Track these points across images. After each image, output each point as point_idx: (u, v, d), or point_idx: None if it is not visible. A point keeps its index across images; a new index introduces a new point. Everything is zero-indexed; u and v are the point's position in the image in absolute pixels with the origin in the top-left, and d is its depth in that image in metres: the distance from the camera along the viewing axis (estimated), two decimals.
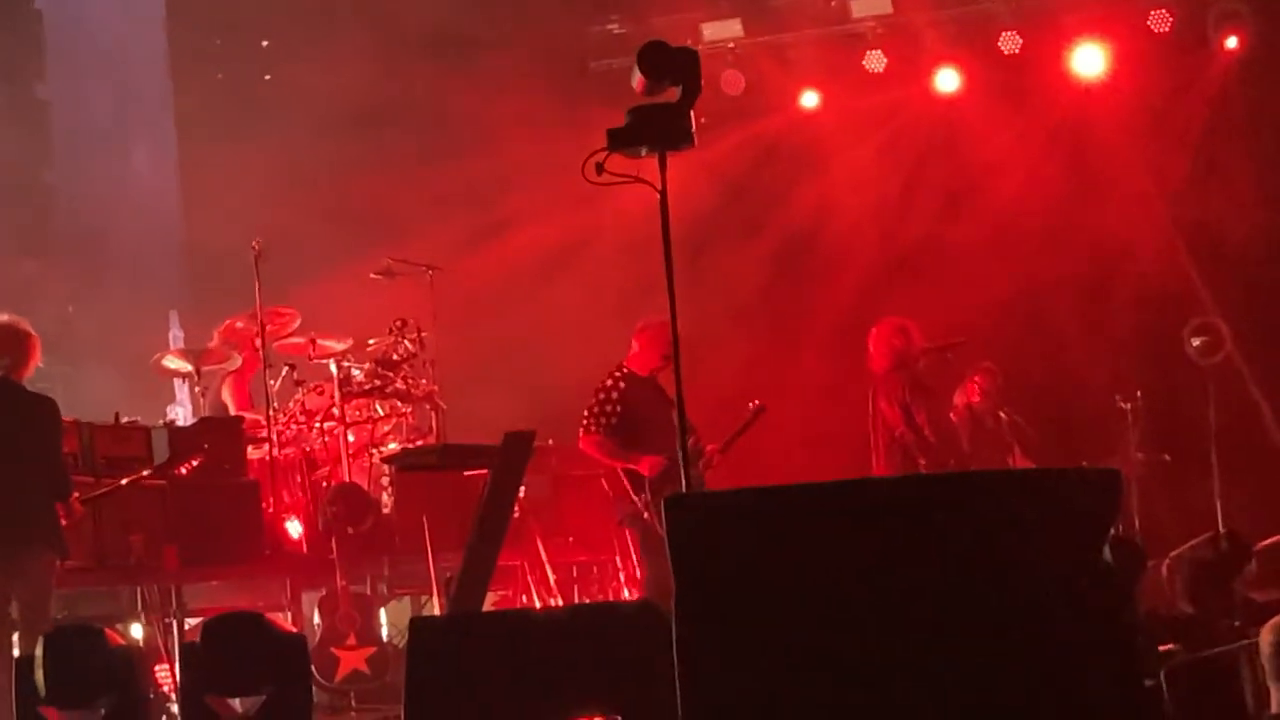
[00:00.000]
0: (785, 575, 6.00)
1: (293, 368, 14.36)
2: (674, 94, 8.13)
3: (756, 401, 12.68)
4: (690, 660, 6.01)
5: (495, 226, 16.10)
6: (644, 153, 8.05)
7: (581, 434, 12.65)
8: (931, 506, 6.13)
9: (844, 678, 6.01)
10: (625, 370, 12.70)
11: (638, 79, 8.12)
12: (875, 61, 16.81)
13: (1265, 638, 7.98)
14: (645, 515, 12.31)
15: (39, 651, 8.18)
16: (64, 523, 11.03)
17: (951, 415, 14.01)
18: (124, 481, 12.00)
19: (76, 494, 11.20)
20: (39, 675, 8.13)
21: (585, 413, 12.60)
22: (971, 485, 6.71)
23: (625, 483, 12.47)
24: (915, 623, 5.99)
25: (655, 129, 8.00)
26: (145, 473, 12.22)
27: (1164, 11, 16.41)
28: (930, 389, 13.46)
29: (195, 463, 12.44)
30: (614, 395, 12.56)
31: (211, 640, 8.15)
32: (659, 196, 8.01)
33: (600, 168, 7.96)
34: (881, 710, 5.98)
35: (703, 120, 8.23)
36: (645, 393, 12.64)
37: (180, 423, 14.40)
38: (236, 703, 8.06)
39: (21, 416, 11.02)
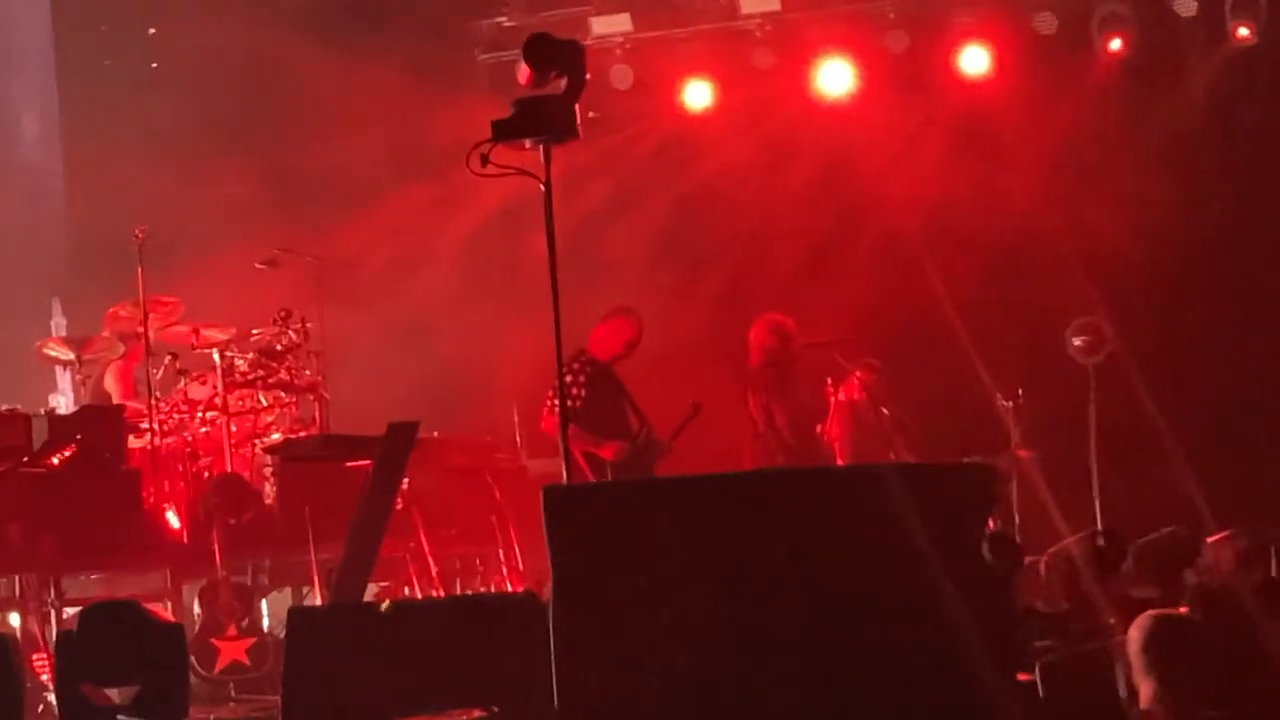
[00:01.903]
0: (659, 566, 6.04)
1: (175, 357, 14.26)
2: (560, 86, 8.16)
3: (694, 402, 12.84)
4: (566, 649, 6.04)
5: (382, 216, 16.04)
6: (529, 144, 8.08)
7: (545, 414, 12.77)
8: (807, 498, 6.18)
9: (715, 668, 6.05)
10: (587, 355, 12.86)
11: (523, 71, 8.15)
12: (763, 58, 16.87)
13: (1133, 634, 8.07)
14: None
15: None
16: None
17: (831, 412, 14.09)
18: None
19: None
20: None
21: (550, 393, 12.63)
22: (845, 478, 6.78)
23: (584, 467, 12.47)
24: (789, 615, 6.03)
25: (540, 121, 8.03)
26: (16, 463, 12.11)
27: (1049, 14, 16.57)
28: (795, 390, 13.57)
29: (68, 452, 12.31)
30: (580, 379, 12.68)
31: (88, 629, 8.09)
32: (543, 188, 8.03)
33: (485, 159, 7.98)
34: (754, 700, 6.02)
35: (591, 114, 8.26)
36: (604, 380, 12.83)
37: (62, 411, 14.26)
38: (113, 692, 8.00)
39: None
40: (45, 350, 14.76)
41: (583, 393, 12.78)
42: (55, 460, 12.35)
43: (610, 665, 6.02)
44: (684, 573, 6.03)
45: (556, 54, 8.08)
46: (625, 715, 5.94)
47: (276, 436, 14.25)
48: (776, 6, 16.87)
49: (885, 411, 14.27)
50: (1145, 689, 8.02)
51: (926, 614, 6.30)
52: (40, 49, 18.23)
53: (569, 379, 12.59)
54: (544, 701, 6.38)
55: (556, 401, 12.44)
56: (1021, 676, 7.75)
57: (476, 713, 6.81)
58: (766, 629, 6.03)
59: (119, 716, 7.80)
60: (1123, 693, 8.56)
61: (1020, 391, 14.59)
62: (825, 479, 7.01)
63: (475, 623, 7.53)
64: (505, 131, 8.01)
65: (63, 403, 15.10)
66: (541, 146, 8.04)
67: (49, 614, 12.57)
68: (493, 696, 6.99)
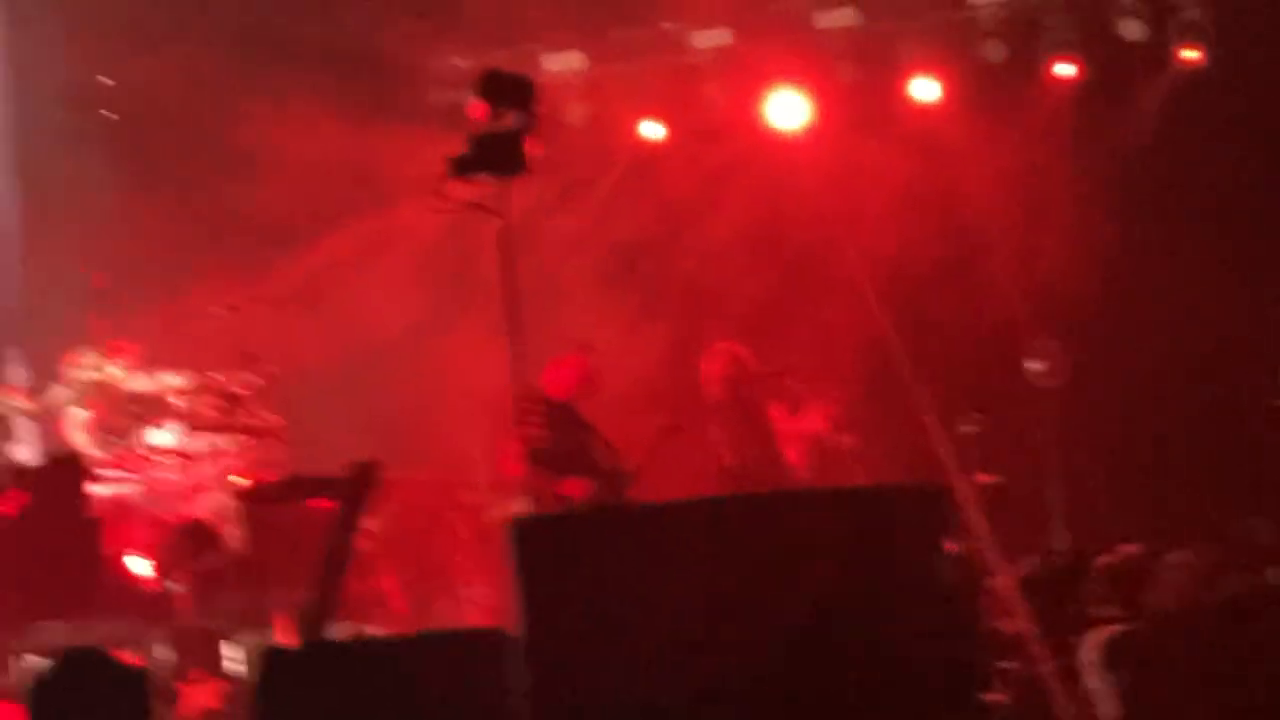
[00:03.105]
0: (630, 594, 6.07)
1: (136, 402, 14.24)
2: (514, 122, 8.23)
3: (669, 422, 12.83)
4: (536, 680, 6.07)
5: (338, 256, 16.07)
6: (483, 179, 8.14)
7: (507, 458, 12.80)
8: (771, 522, 6.22)
9: (690, 694, 6.08)
10: (542, 396, 12.91)
11: (476, 106, 8.20)
12: (716, 91, 16.96)
13: (1089, 651, 8.16)
14: None
15: None
16: None
17: (791, 441, 14.12)
18: None
19: None
20: None
21: (511, 437, 12.71)
22: (807, 501, 6.81)
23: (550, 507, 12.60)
24: (756, 640, 6.07)
25: (494, 156, 8.09)
26: None
27: (998, 41, 16.69)
28: (757, 420, 13.60)
29: (8, 494, 12.22)
30: (536, 420, 12.68)
31: (58, 675, 8.06)
32: (500, 223, 8.09)
33: (441, 195, 8.05)
34: None
35: (546, 150, 8.31)
36: (563, 418, 12.83)
37: (22, 460, 14.25)
38: None
39: None
40: (6, 402, 14.76)
41: (543, 434, 12.78)
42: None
43: (581, 695, 6.05)
44: (651, 600, 6.07)
45: (509, 89, 8.16)
46: None
47: (239, 480, 14.22)
48: (728, 40, 16.98)
49: (844, 439, 14.32)
50: (1105, 705, 8.10)
51: (891, 636, 6.35)
52: None
53: (528, 421, 12.68)
54: None
55: (519, 445, 12.62)
56: (987, 697, 7.80)
57: None
58: (734, 655, 6.07)
59: None
60: (1085, 709, 8.64)
61: (979, 416, 14.67)
62: (788, 503, 7.04)
63: (446, 658, 7.52)
64: (460, 167, 8.07)
65: (21, 453, 15.08)
66: (497, 181, 8.09)
67: (11, 665, 12.52)
68: None
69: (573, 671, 6.13)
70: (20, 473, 13.18)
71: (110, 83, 18.05)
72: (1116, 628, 8.63)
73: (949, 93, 16.75)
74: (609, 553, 6.14)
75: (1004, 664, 9.56)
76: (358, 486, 10.82)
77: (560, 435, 12.91)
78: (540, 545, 6.17)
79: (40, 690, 8.17)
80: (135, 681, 8.10)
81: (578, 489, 12.60)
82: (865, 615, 6.35)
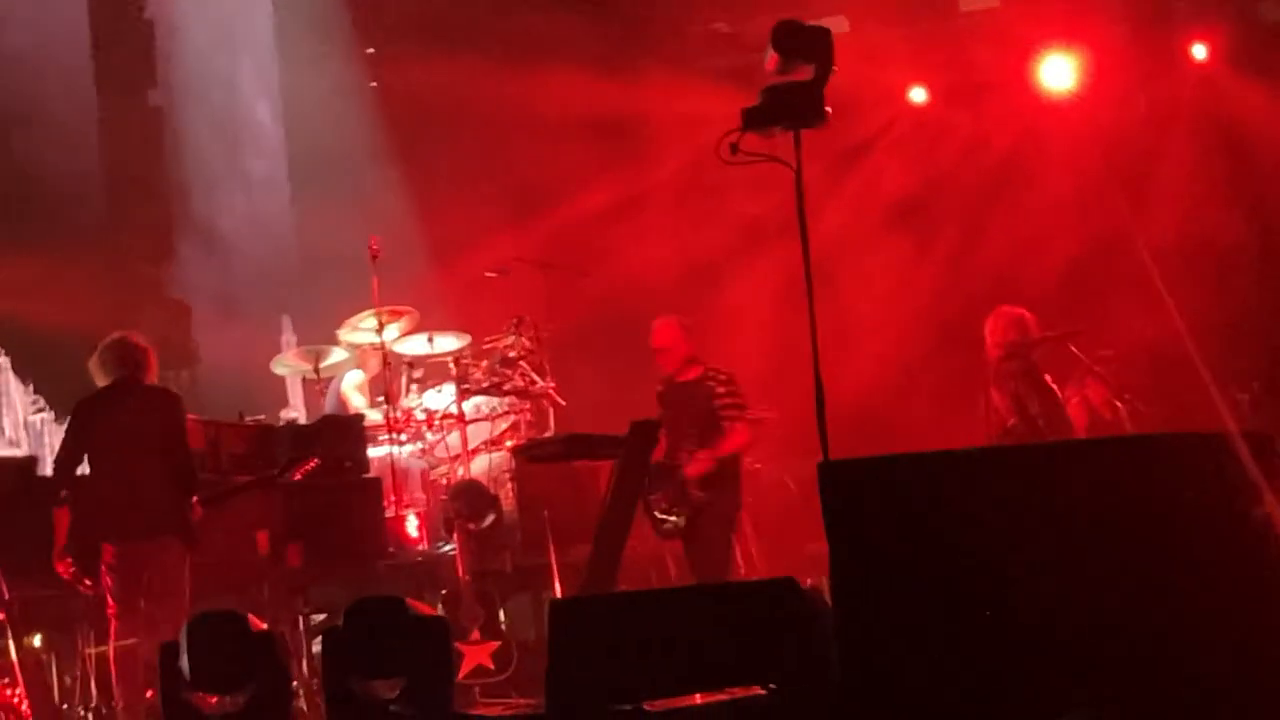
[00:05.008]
0: (943, 539, 5.99)
1: (411, 366, 14.43)
2: (806, 73, 8.18)
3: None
4: (849, 623, 6.02)
5: (603, 220, 16.15)
6: (778, 131, 8.08)
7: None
8: (1076, 470, 6.11)
9: (1005, 643, 5.99)
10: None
11: (770, 57, 8.15)
12: (984, 54, 16.76)
13: None
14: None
15: (184, 638, 8.20)
16: None
17: (1070, 406, 13.91)
18: (239, 485, 12.07)
19: (196, 498, 11.31)
20: (184, 661, 8.15)
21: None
22: (1112, 449, 6.67)
23: None
24: (1078, 590, 5.96)
25: (789, 107, 8.03)
26: (245, 477, 12.28)
27: (1274, 3, 16.36)
28: (1044, 379, 13.38)
29: (310, 466, 12.38)
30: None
31: (355, 624, 8.14)
32: (794, 175, 8.02)
33: (735, 148, 8.00)
34: (1045, 674, 5.96)
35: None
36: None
37: (301, 422, 14.50)
38: (381, 684, 8.03)
39: (144, 411, 11.22)
40: (283, 363, 15.03)
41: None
42: (298, 475, 12.42)
43: (894, 638, 5.99)
44: (968, 546, 5.99)
45: (804, 40, 8.09)
46: (912, 686, 5.92)
47: (510, 444, 14.33)
48: (995, 3, 16.79)
49: (1119, 405, 14.08)
50: None
51: (1205, 588, 6.21)
52: (263, 70, 18.59)
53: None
54: (819, 679, 6.38)
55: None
56: None
57: (757, 691, 6.79)
58: (1056, 604, 5.97)
59: (391, 708, 7.84)
60: None
61: (1255, 384, 14.38)
62: (1093, 450, 6.92)
63: (738, 607, 7.48)
64: (756, 119, 8.01)
65: (297, 416, 15.37)
66: (791, 133, 8.03)
67: (297, 621, 12.74)
68: (765, 676, 6.94)
69: (883, 614, 6.07)
70: (302, 433, 13.36)
71: (371, 51, 18.34)
72: None
73: (1223, 54, 16.37)
74: (922, 497, 6.07)
75: None
76: (638, 444, 10.87)
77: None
78: (848, 490, 6.11)
79: (338, 638, 8.27)
80: (434, 628, 8.17)
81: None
82: (1176, 566, 6.20)
